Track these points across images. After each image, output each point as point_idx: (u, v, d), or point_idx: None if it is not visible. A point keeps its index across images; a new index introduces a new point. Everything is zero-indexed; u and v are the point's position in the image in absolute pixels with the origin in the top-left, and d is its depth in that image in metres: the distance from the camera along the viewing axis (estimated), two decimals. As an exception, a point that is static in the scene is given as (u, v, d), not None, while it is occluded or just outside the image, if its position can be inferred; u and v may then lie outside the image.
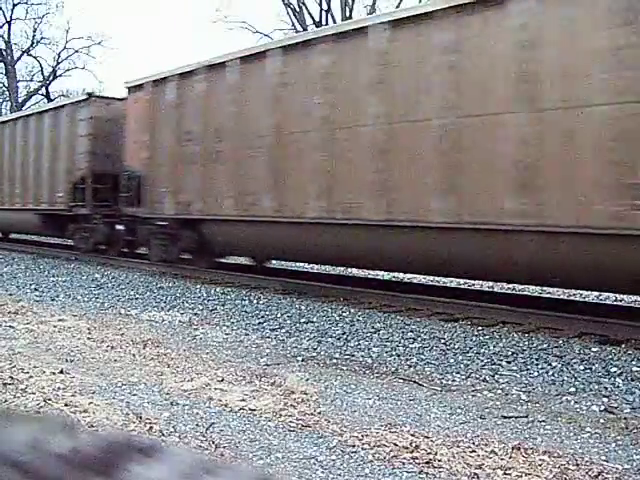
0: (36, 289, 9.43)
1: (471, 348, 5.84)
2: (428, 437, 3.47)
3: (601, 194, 5.81)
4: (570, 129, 6.03)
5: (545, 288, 9.16)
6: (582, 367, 5.19)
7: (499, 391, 4.63)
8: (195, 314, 7.60)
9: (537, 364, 5.31)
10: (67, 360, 5.07)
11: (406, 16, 7.46)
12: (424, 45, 7.21)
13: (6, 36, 35.81)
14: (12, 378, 4.34)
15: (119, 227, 12.67)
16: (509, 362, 5.40)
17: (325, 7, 28.49)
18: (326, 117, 8.27)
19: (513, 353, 5.65)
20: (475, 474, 2.98)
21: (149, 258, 11.73)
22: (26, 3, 36.11)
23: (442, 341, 6.11)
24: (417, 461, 3.13)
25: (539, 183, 6.24)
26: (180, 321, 7.14)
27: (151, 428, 3.49)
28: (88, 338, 5.94)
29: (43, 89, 37.49)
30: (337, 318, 7.28)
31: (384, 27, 7.60)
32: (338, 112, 8.12)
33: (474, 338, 6.22)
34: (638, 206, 5.58)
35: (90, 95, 13.84)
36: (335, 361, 5.46)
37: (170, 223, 10.87)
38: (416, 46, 7.31)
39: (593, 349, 5.73)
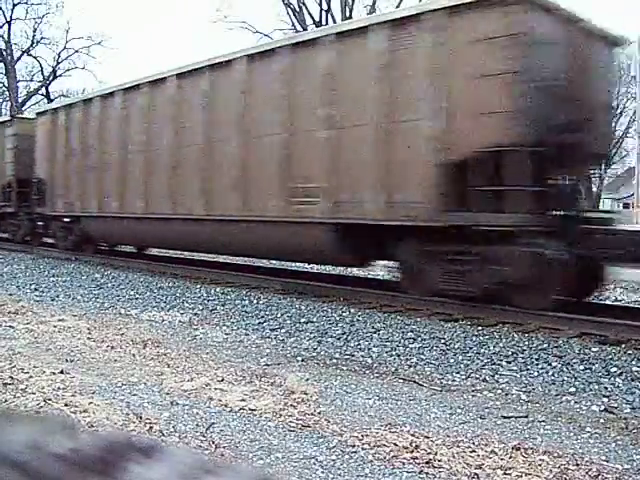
0: (36, 289, 9.44)
1: (471, 348, 5.84)
2: (428, 437, 3.46)
3: (275, 194, 9.05)
4: (262, 151, 9.34)
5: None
6: (582, 367, 5.19)
7: (499, 391, 4.63)
8: (195, 314, 7.60)
9: (537, 364, 5.31)
10: (67, 360, 5.07)
11: (188, 70, 10.80)
12: (196, 90, 10.59)
13: (6, 36, 35.92)
14: (12, 378, 4.34)
15: (39, 223, 15.95)
16: (509, 362, 5.40)
17: (325, 7, 28.53)
18: (144, 142, 11.73)
19: (513, 353, 5.65)
20: (475, 474, 2.98)
21: (57, 246, 15.19)
22: (26, 3, 36.22)
23: (442, 341, 6.11)
24: (417, 461, 3.13)
25: (246, 187, 9.56)
26: (180, 321, 7.15)
27: (151, 428, 3.49)
28: (88, 338, 5.94)
29: (43, 89, 37.55)
30: (337, 318, 7.29)
31: (174, 77, 11.03)
32: (154, 139, 11.56)
33: (474, 338, 6.22)
34: (292, 202, 8.80)
35: (13, 117, 18.17)
36: (335, 361, 5.46)
37: (66, 219, 14.47)
38: (193, 91, 10.68)
39: (593, 349, 5.73)
